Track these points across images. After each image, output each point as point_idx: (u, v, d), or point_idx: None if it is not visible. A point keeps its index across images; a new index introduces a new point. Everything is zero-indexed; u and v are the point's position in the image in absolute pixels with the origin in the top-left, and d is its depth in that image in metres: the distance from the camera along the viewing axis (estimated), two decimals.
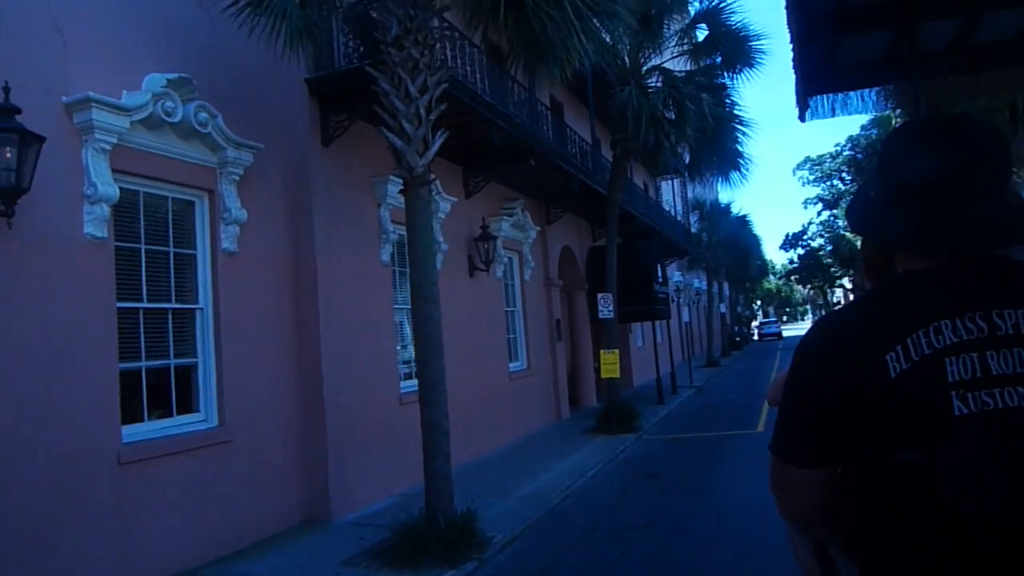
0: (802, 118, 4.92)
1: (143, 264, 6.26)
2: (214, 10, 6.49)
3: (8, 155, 4.84)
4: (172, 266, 6.56)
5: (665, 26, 11.66)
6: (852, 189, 43.18)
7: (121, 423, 5.79)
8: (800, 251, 62.28)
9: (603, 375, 12.23)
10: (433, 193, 9.42)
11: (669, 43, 12.19)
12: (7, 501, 4.82)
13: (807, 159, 51.28)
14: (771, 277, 79.96)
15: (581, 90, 14.96)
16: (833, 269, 58.79)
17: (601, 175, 14.59)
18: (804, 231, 61.09)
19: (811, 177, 51.62)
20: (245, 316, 7.03)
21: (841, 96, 5.04)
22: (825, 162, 49.22)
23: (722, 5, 11.44)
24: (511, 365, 12.68)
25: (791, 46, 3.93)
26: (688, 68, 13.00)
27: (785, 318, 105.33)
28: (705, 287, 30.91)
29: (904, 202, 1.17)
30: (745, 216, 30.75)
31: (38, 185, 5.39)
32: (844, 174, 46.50)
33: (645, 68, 12.11)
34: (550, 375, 14.24)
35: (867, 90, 5.08)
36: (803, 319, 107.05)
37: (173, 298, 6.53)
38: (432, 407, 6.34)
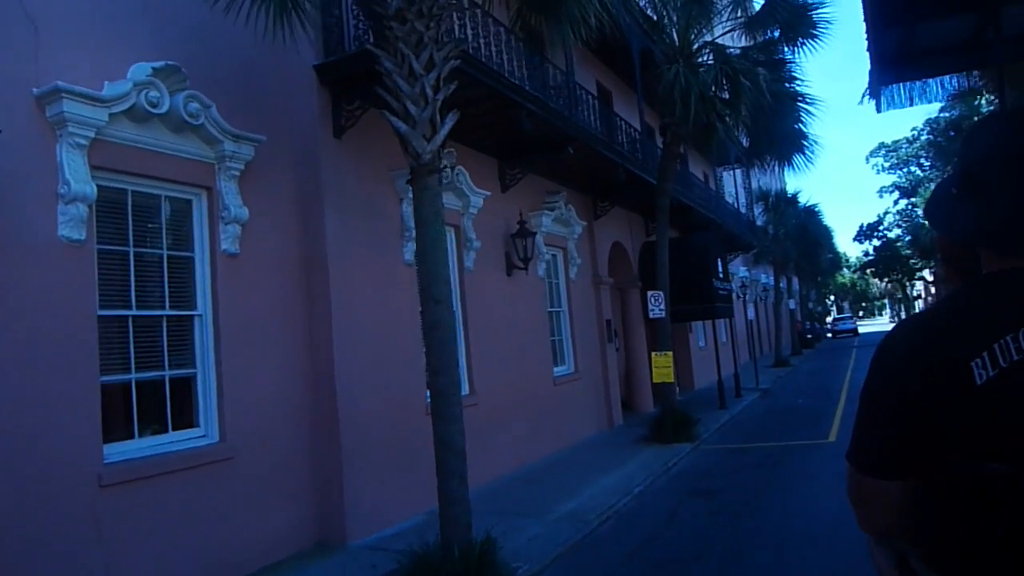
0: (878, 108, 4.86)
1: (131, 268, 5.77)
2: None
3: None
4: (166, 270, 6.05)
5: None
6: (932, 176, 40.43)
7: (104, 441, 5.30)
8: (876, 242, 58.99)
9: (655, 379, 11.30)
10: (457, 183, 8.77)
11: (721, 17, 11.14)
12: None
13: (881, 145, 48.41)
14: (845, 271, 76.29)
15: (630, 75, 14.02)
16: (912, 261, 55.37)
17: (652, 164, 13.63)
18: (880, 221, 57.82)
19: (886, 164, 48.71)
20: (249, 322, 6.49)
21: (919, 84, 4.95)
22: (901, 147, 46.31)
23: None
24: (556, 369, 11.88)
25: (865, 35, 3.92)
26: (744, 44, 11.92)
27: (861, 313, 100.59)
28: (772, 282, 29.25)
29: (982, 194, 1.14)
30: (813, 206, 28.93)
31: (10, 184, 4.97)
32: (923, 160, 43.58)
33: (696, 45, 11.10)
34: (600, 379, 13.36)
35: (946, 77, 5.02)
36: (880, 314, 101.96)
37: (167, 304, 6.03)
38: (445, 422, 5.63)
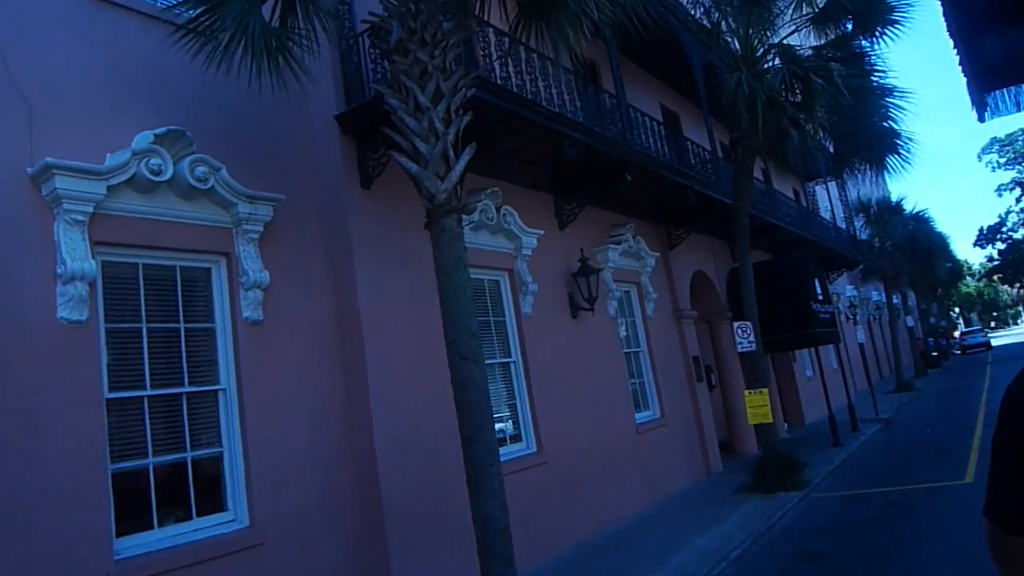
0: (981, 118, 4.57)
1: (145, 345, 5.43)
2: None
3: None
4: (184, 344, 5.69)
5: None
6: None
7: (119, 534, 4.90)
8: (1000, 246, 53.86)
9: (751, 420, 10.08)
10: (504, 224, 8.14)
11: (785, 16, 10.16)
12: None
13: (993, 140, 44.54)
14: (968, 279, 70.13)
15: (697, 95, 13.13)
16: None
17: (727, 184, 12.57)
18: (1002, 222, 52.87)
19: (1001, 160, 44.63)
20: (277, 393, 6.02)
21: None
22: (1017, 140, 42.35)
23: None
24: (638, 415, 10.86)
25: (954, 48, 3.76)
26: (815, 44, 10.84)
27: (993, 324, 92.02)
28: (885, 299, 26.81)
29: None
30: (922, 212, 26.39)
31: (9, 267, 4.75)
32: None
33: (760, 50, 10.13)
34: (692, 422, 12.19)
35: None
36: (1016, 323, 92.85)
37: (186, 381, 5.64)
38: (483, 497, 4.88)
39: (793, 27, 10.16)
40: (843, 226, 25.32)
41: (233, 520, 5.66)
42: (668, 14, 11.52)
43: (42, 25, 5.28)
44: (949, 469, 9.75)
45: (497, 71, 7.91)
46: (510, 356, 8.54)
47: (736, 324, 10.44)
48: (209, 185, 5.73)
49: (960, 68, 4.06)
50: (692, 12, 10.92)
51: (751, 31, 10.08)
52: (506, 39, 8.27)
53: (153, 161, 5.38)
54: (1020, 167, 43.76)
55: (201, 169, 5.67)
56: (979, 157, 47.00)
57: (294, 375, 6.18)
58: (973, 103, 4.49)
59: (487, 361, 8.03)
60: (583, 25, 4.91)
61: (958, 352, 46.58)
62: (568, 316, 9.57)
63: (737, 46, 10.55)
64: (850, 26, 10.01)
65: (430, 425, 6.91)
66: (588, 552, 7.97)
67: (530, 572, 7.19)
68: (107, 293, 5.24)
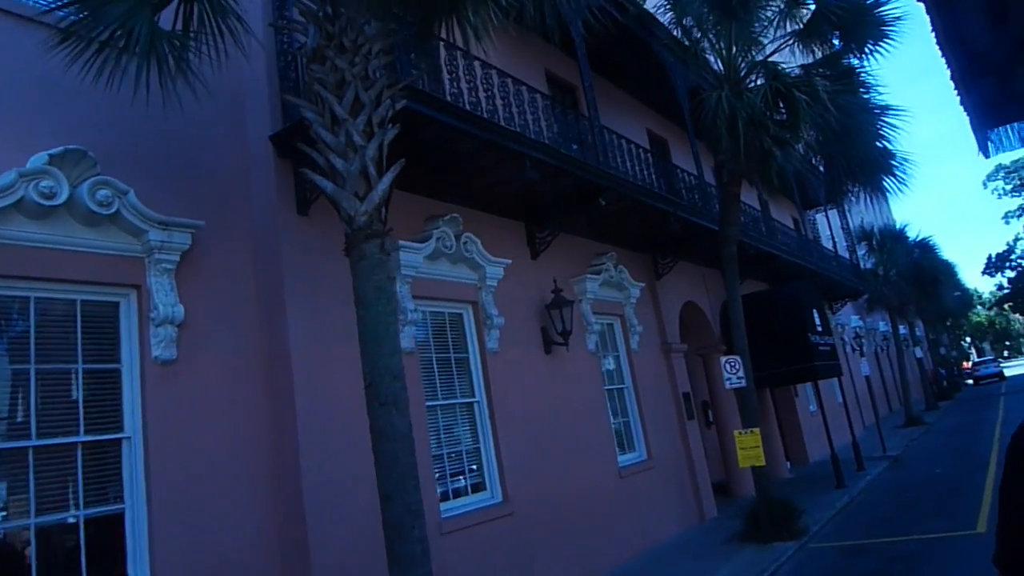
0: (986, 153, 4.59)
1: (32, 389, 4.80)
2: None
3: None
4: (80, 387, 5.06)
5: (758, 9, 9.13)
6: None
7: None
8: (1010, 273, 52.88)
9: (741, 464, 9.30)
10: (465, 252, 7.50)
11: (769, 34, 9.65)
12: None
13: (999, 167, 43.91)
14: (979, 308, 68.94)
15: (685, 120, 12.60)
16: None
17: (716, 211, 11.97)
18: (1011, 250, 51.96)
19: (1007, 187, 43.96)
20: (190, 443, 5.35)
21: None
22: (1023, 167, 41.74)
23: None
24: (622, 458, 10.11)
25: (955, 90, 3.87)
26: (804, 63, 10.32)
27: (1006, 353, 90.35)
28: (891, 330, 25.94)
29: None
30: (926, 239, 25.62)
31: None
32: None
33: (744, 69, 9.60)
34: (683, 464, 11.39)
35: None
36: None
37: (82, 428, 4.99)
38: (402, 568, 4.16)
39: (779, 44, 9.63)
40: (846, 255, 24.62)
41: None
42: (650, 36, 11.08)
43: None
44: (960, 516, 8.91)
45: (465, 95, 7.40)
46: (473, 396, 7.85)
47: (724, 359, 9.73)
48: (113, 210, 5.15)
49: (962, 107, 4.07)
50: (674, 32, 10.43)
51: (734, 49, 9.56)
52: (491, 70, 7.86)
53: (44, 183, 4.81)
54: None
55: (104, 192, 5.10)
56: (985, 184, 46.39)
57: (212, 423, 5.52)
58: (977, 140, 4.47)
59: (446, 401, 7.42)
60: (491, 10, 4.33)
61: (970, 383, 45.32)
62: (540, 351, 8.90)
63: (720, 66, 10.04)
64: (838, 42, 9.49)
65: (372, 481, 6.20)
66: None
67: None
68: None
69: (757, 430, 9.29)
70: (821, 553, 8.48)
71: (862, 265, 25.44)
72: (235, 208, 6.21)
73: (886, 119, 9.67)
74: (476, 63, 7.64)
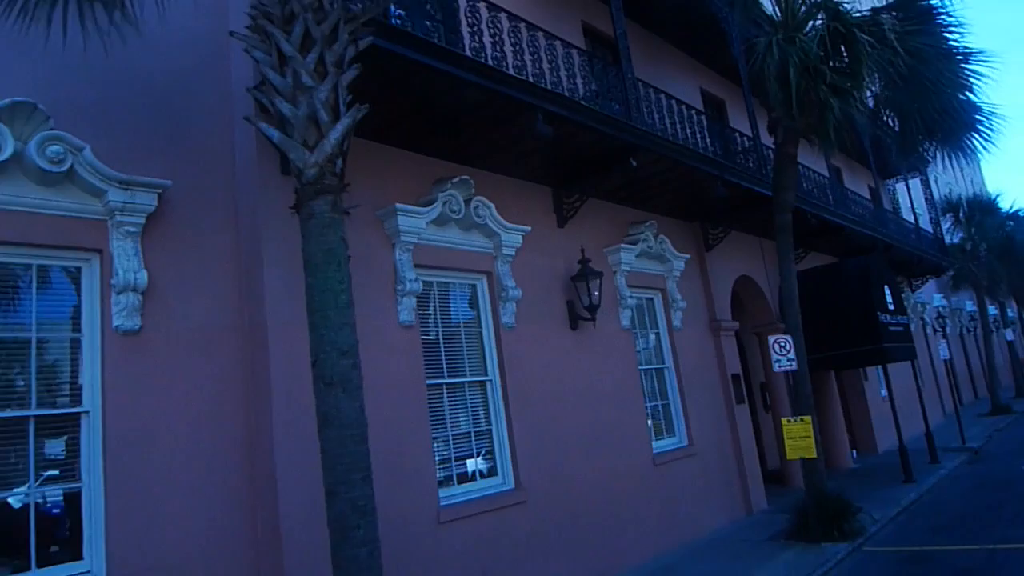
0: None
1: None
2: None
3: None
4: (34, 358, 4.72)
5: None
6: None
7: None
8: None
9: (790, 455, 8.40)
10: (476, 218, 6.83)
11: None
12: None
13: None
14: None
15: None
16: None
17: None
18: None
19: None
20: (153, 420, 4.96)
21: None
22: None
23: None
24: (658, 443, 9.34)
25: None
26: (873, 7, 9.09)
27: None
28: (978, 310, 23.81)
29: None
30: (1020, 211, 23.15)
31: None
32: None
33: (803, 11, 8.47)
34: (729, 451, 10.52)
35: None
36: None
37: (34, 402, 4.66)
38: (344, 573, 3.61)
39: None
40: (931, 228, 22.65)
41: (88, 572, 4.63)
42: None
43: None
44: None
45: (488, 50, 6.70)
46: (485, 374, 7.25)
47: (772, 338, 8.78)
48: (66, 167, 4.74)
49: None
50: None
51: None
52: (520, 22, 7.13)
53: None
54: None
55: (55, 148, 4.69)
56: None
57: (179, 398, 5.11)
58: None
59: (453, 379, 6.85)
60: None
61: None
62: (566, 327, 8.20)
63: (777, 12, 8.93)
64: None
65: (375, 458, 5.70)
66: None
67: None
68: None
69: (808, 418, 8.35)
70: (875, 559, 7.54)
71: (949, 239, 23.39)
72: (214, 167, 5.74)
73: (970, 66, 8.38)
74: (502, 15, 6.90)
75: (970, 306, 27.40)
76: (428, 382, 6.55)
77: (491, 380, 7.25)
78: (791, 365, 8.65)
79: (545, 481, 7.29)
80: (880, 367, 16.19)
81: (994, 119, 8.85)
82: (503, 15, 7.06)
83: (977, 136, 8.88)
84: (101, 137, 5.03)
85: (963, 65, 8.36)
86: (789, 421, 8.38)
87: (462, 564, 6.20)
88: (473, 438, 7.00)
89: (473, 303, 7.43)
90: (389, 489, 5.86)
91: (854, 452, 15.07)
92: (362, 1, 4.63)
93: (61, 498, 4.70)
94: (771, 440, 13.90)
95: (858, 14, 8.62)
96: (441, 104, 6.17)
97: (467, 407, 7.03)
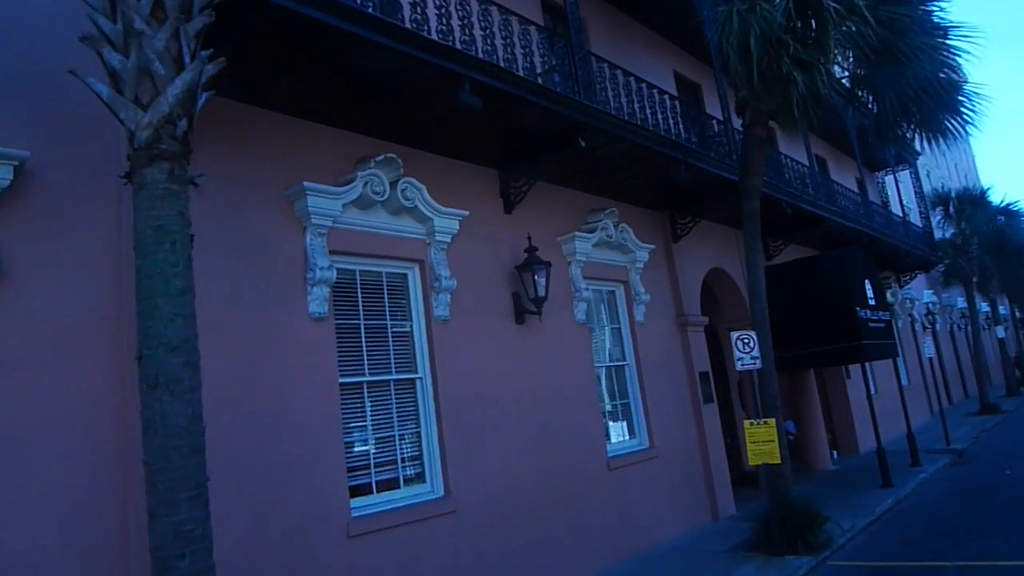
0: None
1: None
2: None
3: None
4: None
5: None
6: None
7: None
8: None
9: (751, 461, 7.80)
10: (404, 200, 6.18)
11: None
12: None
13: None
14: None
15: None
16: None
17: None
18: None
19: None
20: (10, 427, 4.33)
21: None
22: None
23: None
24: (616, 445, 8.76)
25: None
26: None
27: None
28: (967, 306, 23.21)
29: None
30: (1012, 205, 22.47)
31: None
32: None
33: None
34: (695, 454, 9.93)
35: None
36: None
37: None
38: None
39: None
40: (920, 222, 22.03)
41: None
42: None
43: None
44: None
45: (433, 23, 6.05)
46: (415, 372, 6.63)
47: (735, 335, 8.17)
48: None
49: None
50: None
51: None
52: None
53: None
54: None
55: None
56: None
57: (37, 404, 4.47)
58: None
59: (376, 377, 6.23)
60: None
61: None
62: (510, 321, 7.58)
63: None
64: None
65: (272, 466, 5.10)
66: None
67: None
68: None
69: (772, 421, 7.75)
70: (839, 575, 6.95)
71: (940, 234, 22.76)
72: (89, 137, 5.08)
73: (950, 41, 7.74)
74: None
75: (961, 302, 26.84)
76: (343, 380, 5.93)
77: (421, 378, 6.64)
78: (754, 363, 8.04)
79: (481, 489, 6.69)
80: (865, 365, 15.62)
81: (977, 100, 8.23)
82: None
83: (958, 118, 8.25)
84: None
85: (942, 40, 7.73)
86: (752, 424, 7.78)
87: None
88: (398, 442, 6.39)
89: (403, 294, 6.81)
90: (290, 499, 5.27)
91: (834, 453, 14.50)
92: None
93: None
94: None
95: None
96: (356, 73, 5.54)
97: (392, 408, 6.41)
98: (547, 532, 7.21)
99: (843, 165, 19.61)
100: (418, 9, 5.95)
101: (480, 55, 6.25)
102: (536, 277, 7.44)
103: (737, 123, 10.40)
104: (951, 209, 21.88)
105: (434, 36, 5.87)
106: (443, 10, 6.31)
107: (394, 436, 6.36)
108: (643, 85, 9.19)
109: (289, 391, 5.47)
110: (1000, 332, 24.80)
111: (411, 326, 6.75)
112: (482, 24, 6.61)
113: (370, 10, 5.32)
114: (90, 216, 4.97)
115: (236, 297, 5.33)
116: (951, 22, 7.69)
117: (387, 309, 6.59)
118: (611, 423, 9.00)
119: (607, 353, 9.21)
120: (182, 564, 3.03)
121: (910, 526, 8.57)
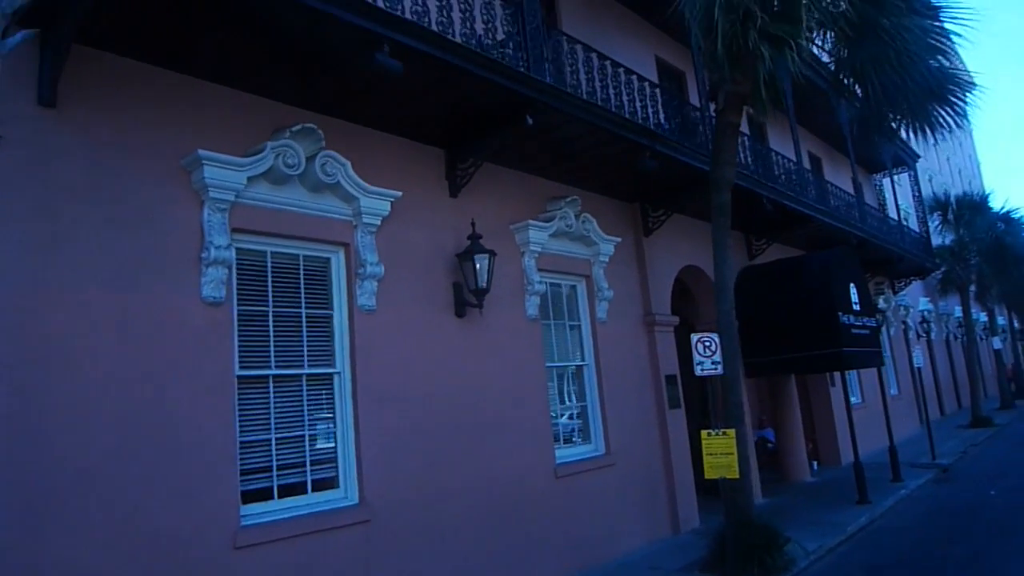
0: None
1: None
2: None
3: None
4: None
5: None
6: None
7: None
8: None
9: (708, 474, 7.17)
10: (325, 176, 5.55)
11: None
12: None
13: None
14: None
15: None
16: None
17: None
18: None
19: None
20: None
21: None
22: None
23: None
24: (567, 451, 8.15)
25: None
26: None
27: None
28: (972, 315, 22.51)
29: None
30: (1012, 212, 21.70)
31: None
32: None
33: None
34: (657, 462, 9.31)
35: None
36: None
37: None
38: None
39: None
40: (917, 228, 21.33)
41: None
42: None
43: None
44: (1002, 571, 6.57)
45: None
46: (333, 366, 6.02)
47: (695, 337, 7.54)
48: None
49: None
50: None
51: None
52: None
53: None
54: None
55: None
56: None
57: None
58: None
59: (284, 371, 5.64)
60: None
61: None
62: (449, 314, 6.96)
63: None
64: None
65: (133, 482, 4.49)
66: None
67: None
68: None
69: (732, 432, 7.13)
70: None
71: (940, 240, 22.04)
72: None
73: (941, 23, 7.06)
74: None
75: (959, 312, 26.16)
76: (242, 373, 5.32)
77: (339, 373, 6.03)
78: (715, 368, 7.42)
79: (403, 496, 6.08)
80: (850, 372, 14.98)
81: (970, 90, 7.54)
82: None
83: (950, 109, 7.58)
84: None
85: (932, 22, 7.07)
86: (709, 435, 7.15)
87: None
88: (308, 443, 5.78)
89: (325, 281, 6.19)
90: (167, 505, 4.66)
91: (815, 464, 13.90)
92: None
93: None
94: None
95: None
96: (265, 28, 4.93)
97: (303, 405, 5.79)
98: (481, 546, 6.61)
99: (839, 165, 18.95)
100: None
101: (408, 16, 5.61)
102: (477, 267, 6.82)
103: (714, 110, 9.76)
104: (950, 214, 21.17)
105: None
106: None
107: (304, 436, 5.75)
108: (620, 70, 8.53)
109: (174, 384, 4.87)
110: (997, 343, 24.11)
111: (332, 316, 6.13)
112: (486, 17, 6.02)
113: None
114: None
115: (119, 278, 4.73)
116: (936, 4, 6.99)
117: (303, 296, 5.97)
118: (564, 428, 8.39)
119: (565, 352, 8.59)
120: None
121: (880, 549, 7.95)
